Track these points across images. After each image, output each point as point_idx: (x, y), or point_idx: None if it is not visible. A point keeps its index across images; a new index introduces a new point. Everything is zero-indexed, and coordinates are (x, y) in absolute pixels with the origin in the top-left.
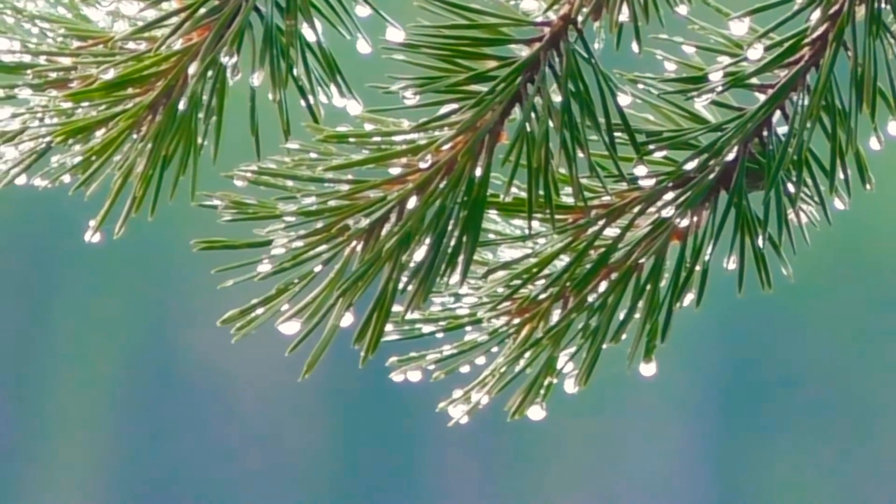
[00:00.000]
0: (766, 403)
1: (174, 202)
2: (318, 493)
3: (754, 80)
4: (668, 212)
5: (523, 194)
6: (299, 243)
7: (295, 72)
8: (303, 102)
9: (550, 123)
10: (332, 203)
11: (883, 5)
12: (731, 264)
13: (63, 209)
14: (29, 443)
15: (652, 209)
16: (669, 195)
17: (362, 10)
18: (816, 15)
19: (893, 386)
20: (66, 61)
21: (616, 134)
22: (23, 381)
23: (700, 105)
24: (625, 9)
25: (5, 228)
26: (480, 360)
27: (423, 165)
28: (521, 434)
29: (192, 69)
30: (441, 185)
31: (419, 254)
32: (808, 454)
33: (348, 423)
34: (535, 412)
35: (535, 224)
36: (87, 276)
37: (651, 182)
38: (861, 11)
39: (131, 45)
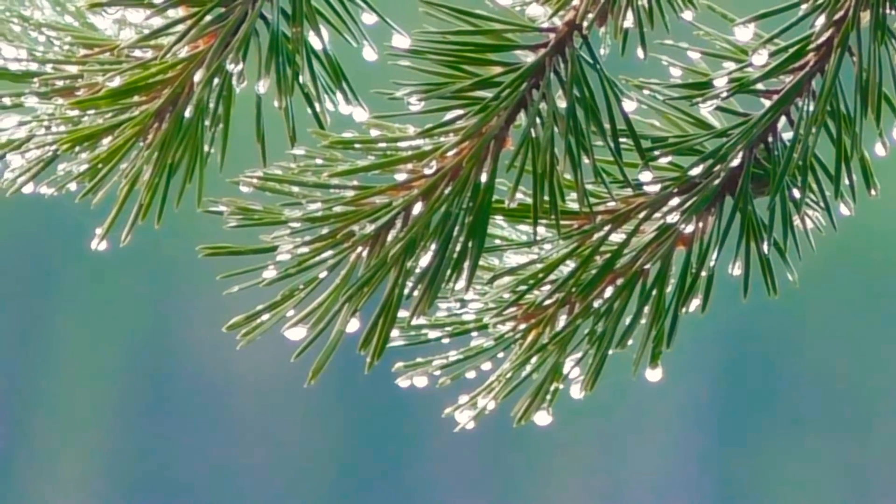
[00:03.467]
0: (767, 404)
1: (182, 207)
2: (321, 494)
3: (759, 86)
4: (673, 217)
5: (528, 200)
6: (305, 249)
7: (301, 79)
8: (309, 110)
9: (555, 129)
10: (337, 209)
11: (888, 11)
12: (737, 270)
13: (68, 213)
14: (29, 444)
15: (657, 215)
16: (675, 201)
17: (368, 18)
18: (821, 20)
19: (893, 386)
20: (73, 69)
21: (621, 140)
22: (24, 382)
23: (705, 111)
24: (630, 14)
25: (10, 231)
26: (486, 366)
27: (428, 171)
28: (521, 435)
29: (198, 76)
30: (446, 191)
31: (425, 259)
32: (808, 455)
33: (352, 424)
34: (542, 417)
35: (541, 230)
36: (92, 280)
37: (656, 188)
38: (866, 17)
39: (137, 52)
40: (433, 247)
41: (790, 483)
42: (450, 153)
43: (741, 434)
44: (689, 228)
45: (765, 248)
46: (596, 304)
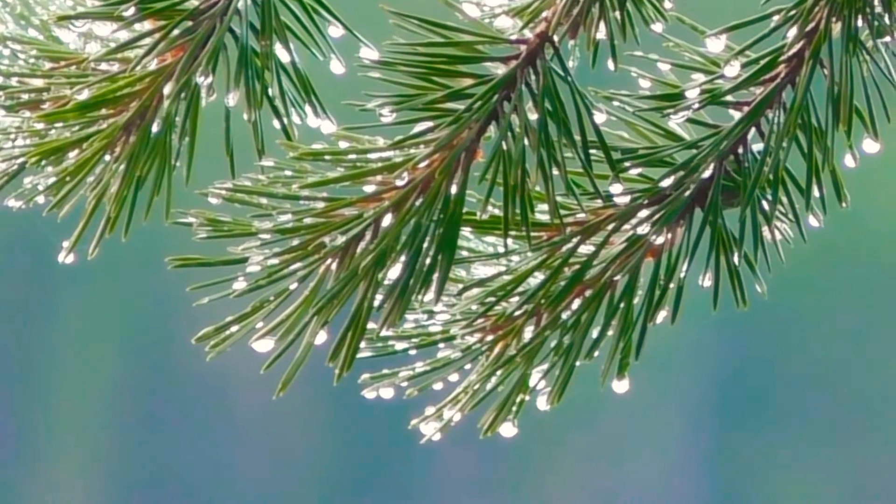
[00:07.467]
0: (766, 405)
1: (174, 211)
2: (321, 494)
3: (730, 98)
4: (643, 229)
5: (499, 212)
6: (274, 261)
7: (270, 92)
8: (276, 123)
9: (526, 141)
10: (307, 220)
11: (859, 23)
12: (707, 282)
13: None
14: (29, 445)
15: (627, 226)
16: (644, 212)
17: (335, 31)
18: (793, 32)
19: (893, 386)
20: (39, 83)
21: (592, 151)
22: (24, 383)
23: (675, 122)
24: (601, 26)
25: (10, 232)
26: (454, 378)
27: (399, 183)
28: (520, 435)
29: (167, 90)
30: (417, 203)
31: (394, 271)
32: (807, 455)
33: (353, 424)
34: (508, 429)
35: (510, 241)
36: (91, 280)
37: (626, 199)
38: (837, 29)
39: (104, 66)
40: (403, 259)
41: (790, 483)
42: (421, 165)
43: (741, 435)
44: (659, 240)
45: (735, 260)
46: (564, 316)
